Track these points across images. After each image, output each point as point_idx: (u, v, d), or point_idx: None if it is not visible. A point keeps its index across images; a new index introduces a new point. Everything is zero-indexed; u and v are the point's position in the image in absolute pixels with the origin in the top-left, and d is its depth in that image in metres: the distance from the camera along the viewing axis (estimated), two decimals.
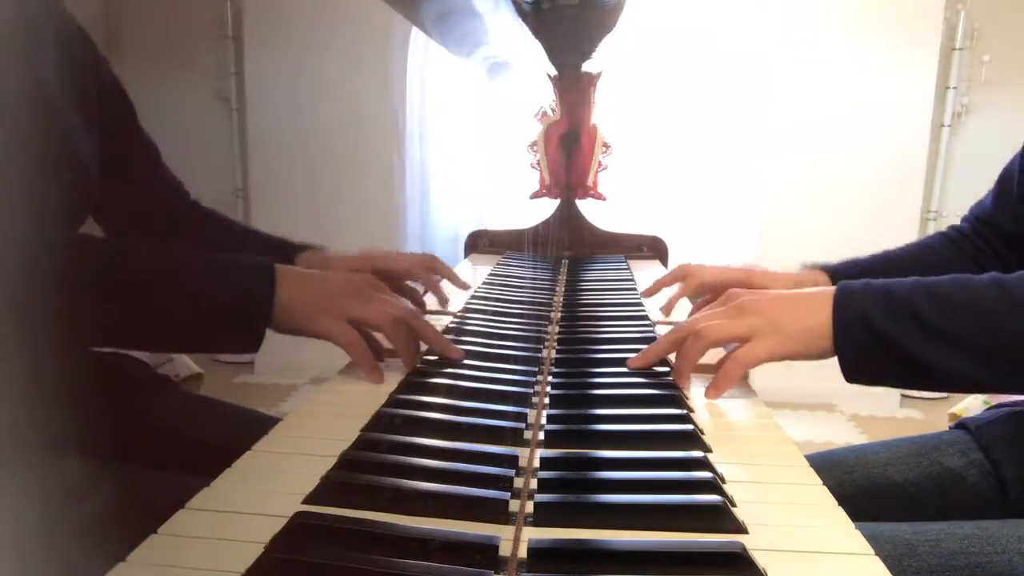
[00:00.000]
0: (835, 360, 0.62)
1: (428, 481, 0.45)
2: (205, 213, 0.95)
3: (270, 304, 0.63)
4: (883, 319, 0.58)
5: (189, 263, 0.63)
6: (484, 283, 1.11)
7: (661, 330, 0.85)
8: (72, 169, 0.72)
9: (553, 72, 1.33)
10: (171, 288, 0.61)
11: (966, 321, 0.57)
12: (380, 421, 0.55)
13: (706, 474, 0.46)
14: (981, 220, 0.91)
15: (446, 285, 0.97)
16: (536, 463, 0.48)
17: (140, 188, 0.88)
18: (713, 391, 0.63)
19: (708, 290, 0.86)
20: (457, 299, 0.97)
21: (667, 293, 0.94)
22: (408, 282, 0.91)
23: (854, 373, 0.61)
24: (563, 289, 1.09)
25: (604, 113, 1.38)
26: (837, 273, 0.87)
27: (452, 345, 0.70)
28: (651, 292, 0.90)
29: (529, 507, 0.43)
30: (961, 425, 0.86)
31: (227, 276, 0.63)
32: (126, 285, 0.59)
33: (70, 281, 0.52)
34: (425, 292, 0.94)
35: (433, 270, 0.94)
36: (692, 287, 0.85)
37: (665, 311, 0.90)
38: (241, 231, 0.96)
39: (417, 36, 2.61)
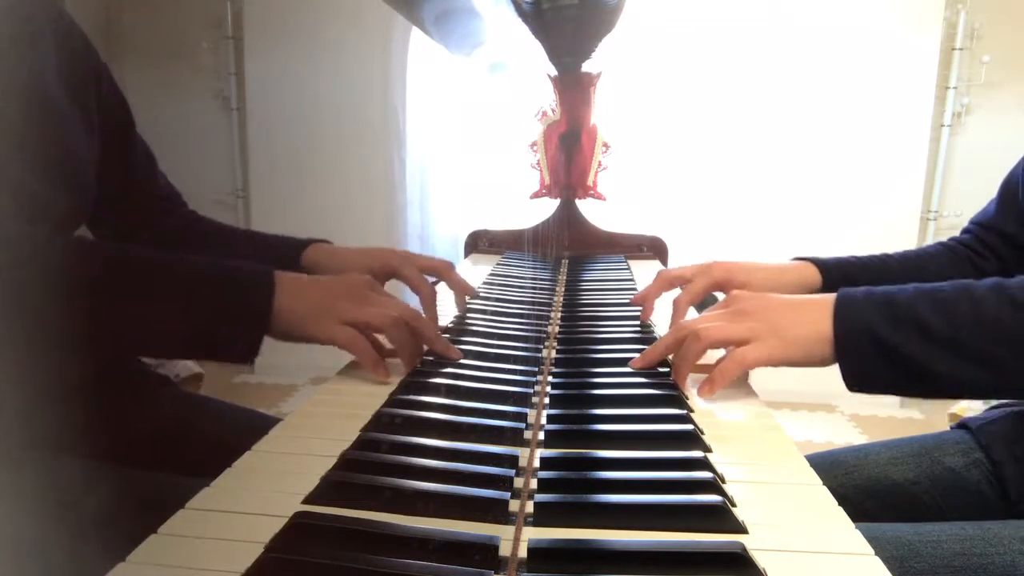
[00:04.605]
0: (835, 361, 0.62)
1: (428, 481, 0.45)
2: (204, 222, 0.93)
3: (268, 312, 0.62)
4: (886, 327, 0.58)
5: (185, 269, 0.62)
6: (484, 283, 1.11)
7: (660, 331, 0.85)
8: (69, 170, 0.71)
9: (553, 72, 1.33)
10: (166, 294, 0.60)
11: (969, 327, 0.57)
12: (380, 421, 0.55)
13: (706, 474, 0.46)
14: (985, 226, 0.91)
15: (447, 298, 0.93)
16: (536, 463, 0.48)
17: (136, 197, 0.87)
18: (707, 388, 0.63)
19: (677, 284, 0.85)
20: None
21: (662, 298, 0.93)
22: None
23: (856, 382, 0.60)
24: (563, 289, 1.09)
25: (604, 113, 1.38)
26: (827, 268, 0.86)
27: (451, 345, 0.71)
28: (645, 308, 0.88)
29: (529, 507, 0.43)
30: (962, 425, 0.86)
31: (224, 283, 0.62)
32: (119, 289, 0.58)
33: (64, 285, 0.52)
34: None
35: (438, 274, 0.88)
36: (663, 284, 0.85)
37: (644, 313, 0.88)
38: (242, 236, 0.94)
39: (417, 36, 2.61)
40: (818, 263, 0.87)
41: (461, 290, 0.90)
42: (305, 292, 0.64)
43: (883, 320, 0.58)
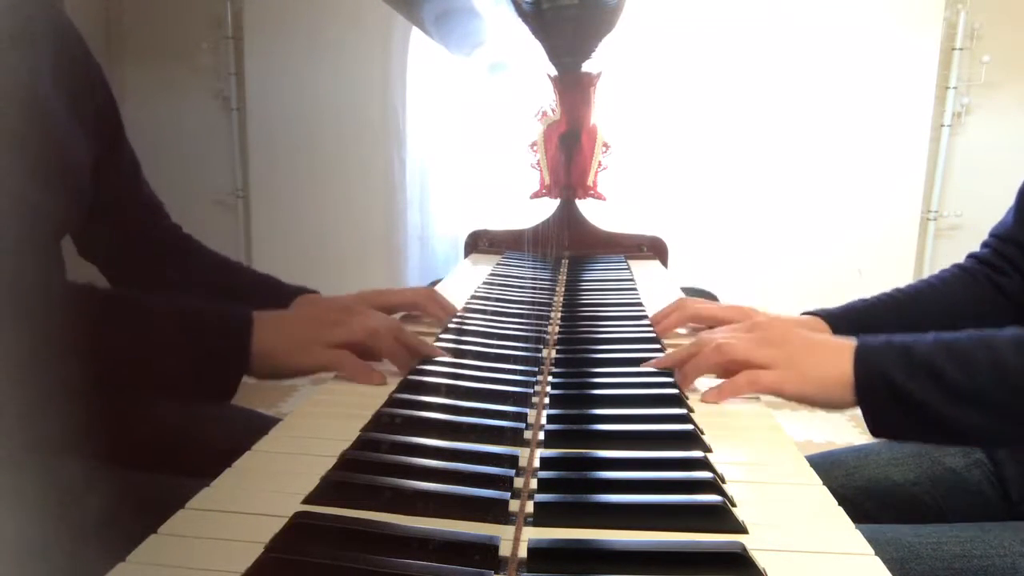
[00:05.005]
0: None
1: (428, 481, 0.45)
2: (189, 239, 0.91)
3: (247, 352, 0.62)
4: (901, 375, 0.58)
5: (163, 312, 0.62)
6: (484, 283, 1.11)
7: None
8: (67, 175, 0.71)
9: (553, 72, 1.33)
10: (143, 338, 0.60)
11: (987, 379, 0.57)
12: (380, 421, 0.55)
13: (706, 474, 0.46)
14: (1003, 239, 0.88)
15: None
16: (536, 463, 0.48)
17: (123, 204, 0.85)
18: (713, 395, 0.63)
19: (702, 322, 0.85)
20: (457, 299, 0.97)
21: (663, 298, 0.93)
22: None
23: (879, 428, 0.60)
24: (563, 289, 1.09)
25: (604, 113, 1.38)
26: (836, 319, 0.84)
27: (435, 347, 0.71)
28: (660, 331, 0.88)
29: (529, 507, 0.43)
30: None
31: (201, 326, 0.62)
32: (98, 335, 0.58)
33: (47, 326, 0.52)
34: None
35: (418, 307, 0.89)
36: (686, 317, 0.85)
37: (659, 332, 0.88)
38: (233, 267, 0.92)
39: (417, 36, 2.61)
40: (826, 315, 0.85)
41: (444, 315, 0.89)
42: (285, 328, 0.65)
43: (899, 367, 0.59)
